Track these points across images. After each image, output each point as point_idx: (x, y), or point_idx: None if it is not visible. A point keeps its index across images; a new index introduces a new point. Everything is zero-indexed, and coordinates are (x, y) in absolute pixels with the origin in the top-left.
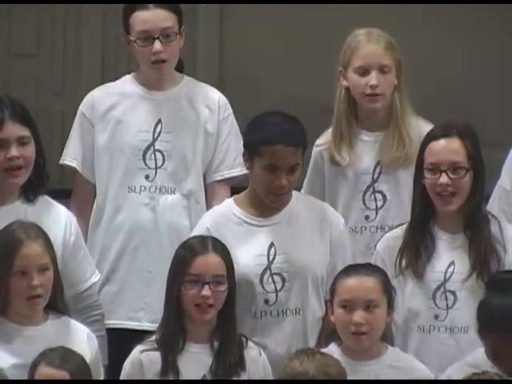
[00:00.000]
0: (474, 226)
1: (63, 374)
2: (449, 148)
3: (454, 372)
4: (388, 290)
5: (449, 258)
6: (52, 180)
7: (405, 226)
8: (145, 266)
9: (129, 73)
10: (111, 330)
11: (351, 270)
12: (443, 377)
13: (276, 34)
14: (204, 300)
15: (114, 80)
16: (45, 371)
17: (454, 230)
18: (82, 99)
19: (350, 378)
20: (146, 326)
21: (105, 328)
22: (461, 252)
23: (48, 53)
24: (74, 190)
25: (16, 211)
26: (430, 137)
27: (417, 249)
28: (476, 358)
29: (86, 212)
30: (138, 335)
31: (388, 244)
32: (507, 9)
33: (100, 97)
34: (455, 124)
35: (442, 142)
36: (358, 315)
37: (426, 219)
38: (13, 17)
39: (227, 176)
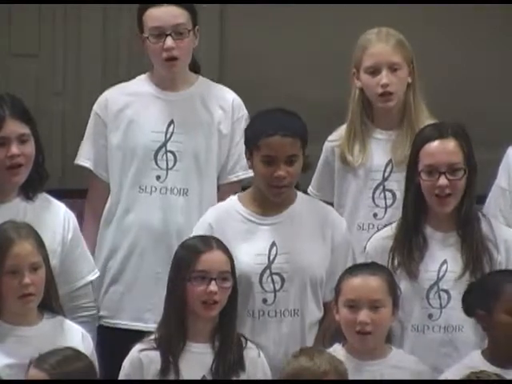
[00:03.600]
0: (467, 226)
1: (42, 376)
2: (446, 149)
3: (452, 374)
4: (393, 290)
5: (441, 257)
6: (52, 180)
7: (394, 225)
8: (152, 268)
9: (130, 72)
10: (116, 329)
11: (356, 269)
12: (441, 379)
13: (277, 34)
14: (210, 296)
15: (114, 80)
16: (30, 372)
17: (446, 230)
18: (83, 99)
19: (355, 377)
20: (152, 327)
21: (95, 330)
22: (453, 251)
23: (48, 53)
24: (89, 190)
25: (15, 209)
26: (425, 138)
27: (409, 248)
28: (473, 359)
29: (100, 210)
30: (144, 336)
31: (378, 244)
32: (507, 9)
33: (113, 96)
34: (448, 124)
35: (438, 143)
36: (364, 315)
37: (419, 219)
38: (13, 17)
39: (242, 177)
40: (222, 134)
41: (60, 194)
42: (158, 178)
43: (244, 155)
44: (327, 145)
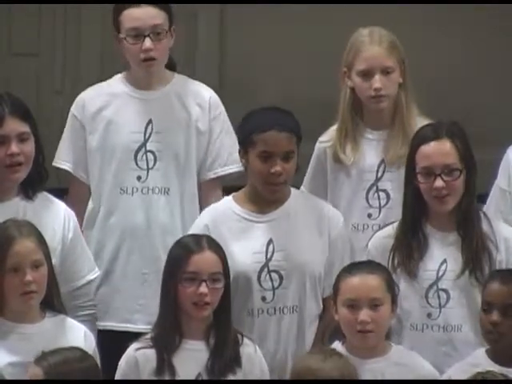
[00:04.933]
0: (467, 224)
1: (37, 371)
2: (441, 151)
3: (456, 372)
4: (391, 287)
5: (441, 257)
6: (52, 179)
7: (396, 225)
8: (139, 268)
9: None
10: (106, 331)
11: (354, 268)
12: (444, 377)
13: (276, 35)
14: (201, 298)
15: None
16: (29, 368)
17: (446, 229)
18: None
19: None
20: (141, 328)
21: (96, 329)
22: (453, 250)
23: (48, 52)
24: (69, 192)
25: (15, 208)
26: (420, 139)
27: (409, 248)
28: (477, 357)
29: (81, 212)
30: (134, 337)
31: (380, 243)
32: (507, 9)
33: (90, 98)
34: (444, 124)
35: (432, 144)
36: (364, 314)
37: (418, 219)
38: (13, 16)
39: (221, 174)
40: (200, 132)
41: (59, 193)
42: (139, 178)
43: (223, 152)
44: (319, 146)
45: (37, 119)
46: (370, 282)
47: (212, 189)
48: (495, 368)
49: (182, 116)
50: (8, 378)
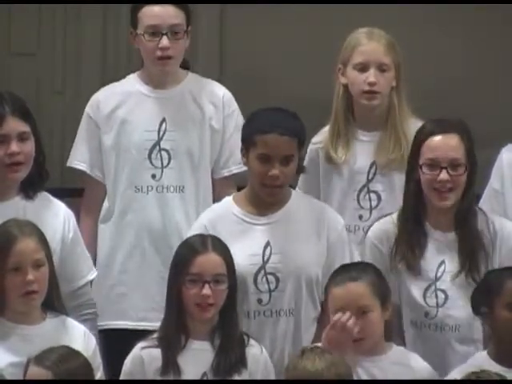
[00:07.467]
0: (465, 224)
1: (46, 374)
2: (448, 144)
3: (459, 375)
4: (379, 291)
5: (439, 257)
6: (52, 179)
7: (395, 216)
8: (155, 267)
9: (130, 72)
10: (123, 330)
11: (338, 277)
12: (448, 379)
13: (276, 34)
14: (204, 299)
15: (114, 79)
16: (32, 370)
17: (444, 228)
18: (83, 98)
19: (354, 374)
20: (158, 325)
21: (97, 327)
22: (451, 250)
23: (48, 52)
24: (85, 192)
25: (15, 207)
26: (427, 132)
27: (410, 245)
28: (479, 359)
29: (96, 213)
30: (150, 335)
31: (379, 228)
32: (507, 9)
33: (105, 97)
34: (450, 120)
35: (440, 137)
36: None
37: (419, 215)
38: (13, 16)
39: (235, 171)
40: (214, 130)
41: (60, 194)
42: (154, 176)
43: (237, 150)
44: (312, 147)
45: (37, 119)
46: (354, 291)
47: (226, 186)
48: (498, 369)
49: (196, 114)
50: (9, 378)
